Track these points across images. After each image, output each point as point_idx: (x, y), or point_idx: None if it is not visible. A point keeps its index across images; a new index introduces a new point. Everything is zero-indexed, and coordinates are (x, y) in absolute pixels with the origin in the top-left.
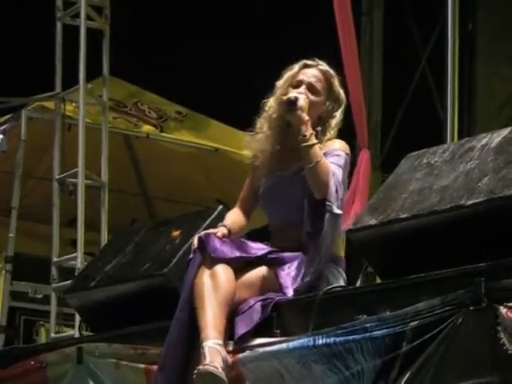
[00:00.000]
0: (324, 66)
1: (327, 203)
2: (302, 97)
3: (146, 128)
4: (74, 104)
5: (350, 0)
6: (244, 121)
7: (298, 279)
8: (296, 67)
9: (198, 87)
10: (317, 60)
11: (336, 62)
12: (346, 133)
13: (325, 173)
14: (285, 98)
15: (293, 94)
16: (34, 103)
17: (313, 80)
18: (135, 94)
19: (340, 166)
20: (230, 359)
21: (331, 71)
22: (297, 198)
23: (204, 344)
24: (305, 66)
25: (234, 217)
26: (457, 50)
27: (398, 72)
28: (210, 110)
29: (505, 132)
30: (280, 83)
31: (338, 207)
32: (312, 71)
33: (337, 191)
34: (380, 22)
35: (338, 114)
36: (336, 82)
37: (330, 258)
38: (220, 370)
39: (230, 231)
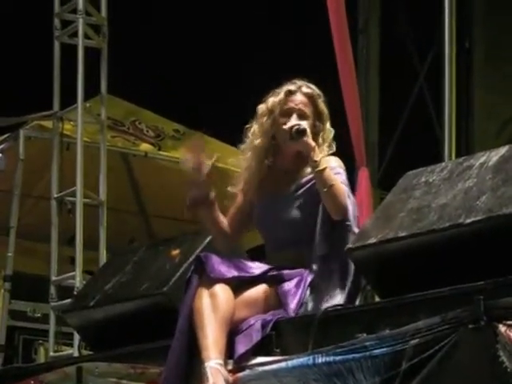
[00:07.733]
0: (306, 88)
1: (347, 223)
2: (304, 123)
3: (144, 146)
4: (72, 123)
5: (346, 18)
6: (241, 138)
7: (298, 296)
8: (282, 94)
9: (195, 105)
10: (297, 82)
11: (333, 82)
12: (344, 151)
13: (341, 194)
14: (287, 127)
15: (294, 122)
16: (31, 122)
17: (301, 106)
18: (133, 113)
19: (346, 184)
20: (230, 379)
21: (313, 90)
22: (295, 217)
23: (206, 364)
24: (290, 92)
25: None
26: (454, 67)
27: (396, 90)
28: (207, 127)
29: (503, 150)
30: (263, 109)
31: (355, 226)
32: (298, 97)
33: (353, 210)
34: (376, 39)
35: (326, 131)
36: (320, 101)
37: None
38: None
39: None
